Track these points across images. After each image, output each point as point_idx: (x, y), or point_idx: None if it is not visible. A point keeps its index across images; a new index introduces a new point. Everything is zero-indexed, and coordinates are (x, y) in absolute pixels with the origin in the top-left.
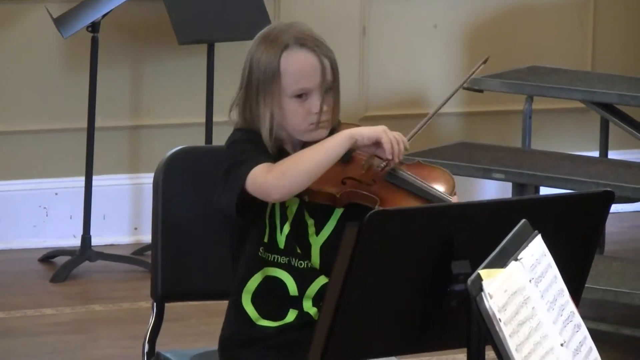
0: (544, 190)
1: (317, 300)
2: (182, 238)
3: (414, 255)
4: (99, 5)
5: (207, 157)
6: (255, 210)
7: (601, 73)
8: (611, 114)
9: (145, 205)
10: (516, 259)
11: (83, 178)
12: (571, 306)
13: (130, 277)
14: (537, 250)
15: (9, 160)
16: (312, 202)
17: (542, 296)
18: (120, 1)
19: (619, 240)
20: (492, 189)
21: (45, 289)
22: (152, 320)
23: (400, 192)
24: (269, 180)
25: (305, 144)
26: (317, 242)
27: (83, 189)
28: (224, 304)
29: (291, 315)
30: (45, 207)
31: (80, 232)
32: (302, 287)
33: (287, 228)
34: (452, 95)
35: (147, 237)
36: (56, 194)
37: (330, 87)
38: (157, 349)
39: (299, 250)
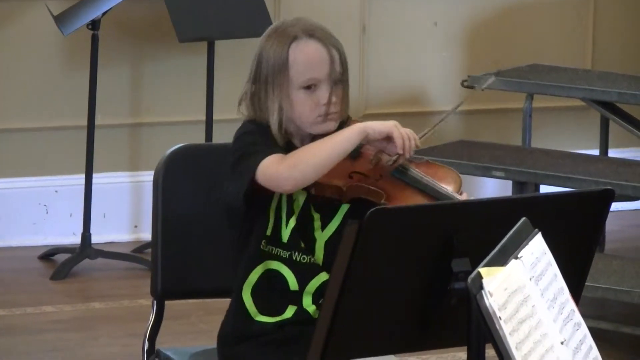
0: (544, 189)
1: (317, 297)
2: (182, 236)
3: (414, 253)
4: (99, 3)
5: (207, 155)
6: (260, 203)
7: (601, 71)
8: (611, 112)
9: (145, 203)
10: (516, 257)
11: (83, 176)
12: (571, 304)
13: (130, 274)
14: (537, 249)
15: (9, 157)
16: (318, 196)
17: (542, 294)
18: None
19: (619, 238)
20: (492, 187)
21: (45, 287)
22: (152, 318)
23: (407, 188)
24: (280, 171)
25: (314, 137)
26: (322, 237)
27: (83, 186)
28: (223, 302)
29: (289, 311)
30: (45, 205)
31: (81, 229)
32: (303, 282)
33: (292, 222)
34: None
35: (147, 235)
36: (56, 191)
37: (339, 79)
38: (157, 346)
39: (302, 245)
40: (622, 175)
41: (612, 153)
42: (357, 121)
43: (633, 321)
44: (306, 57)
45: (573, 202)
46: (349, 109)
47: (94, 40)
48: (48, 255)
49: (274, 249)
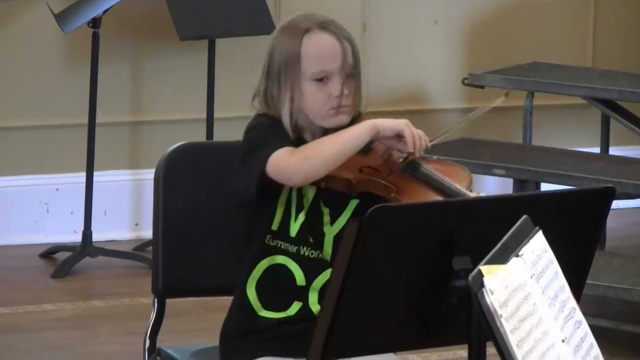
0: (545, 187)
1: (323, 294)
2: (183, 234)
3: (415, 251)
4: (99, 1)
5: (208, 153)
6: (267, 197)
7: (602, 69)
8: (612, 110)
9: (146, 201)
10: (517, 255)
11: (84, 174)
12: (572, 302)
13: (131, 273)
14: (538, 246)
15: (9, 155)
16: (328, 190)
17: (543, 292)
18: None
19: (620, 236)
20: (493, 185)
21: (46, 285)
22: (153, 316)
23: (417, 184)
24: (291, 163)
25: (326, 131)
26: (331, 232)
27: (84, 184)
28: (224, 300)
29: (294, 308)
30: (46, 203)
31: (81, 227)
32: (310, 277)
33: (302, 217)
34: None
35: (148, 233)
36: (57, 189)
37: (352, 72)
38: (158, 344)
39: (311, 240)
40: (623, 173)
41: (613, 151)
42: (369, 118)
43: (634, 319)
44: (318, 48)
45: (574, 200)
46: (361, 104)
47: (95, 38)
48: (49, 253)
49: (282, 243)
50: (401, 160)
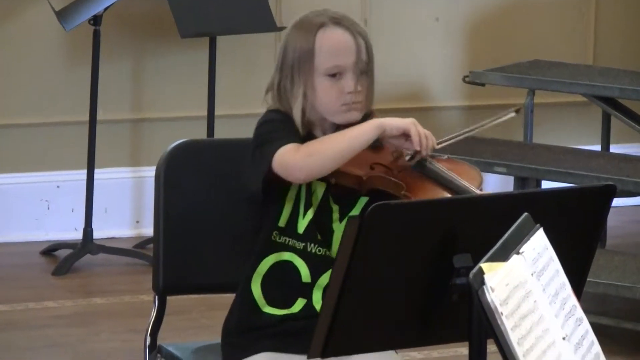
0: (546, 184)
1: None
2: (183, 231)
3: (415, 249)
4: None
5: (209, 151)
6: (276, 192)
7: (603, 67)
8: (613, 108)
9: (147, 198)
10: (518, 253)
11: (85, 171)
12: (573, 300)
13: (132, 270)
14: (538, 244)
15: (10, 153)
16: (338, 187)
17: (544, 290)
18: None
19: (621, 234)
20: (494, 183)
21: (46, 282)
22: (153, 314)
23: (427, 182)
24: (297, 159)
25: (337, 127)
26: (340, 229)
27: (85, 182)
28: (225, 298)
29: (298, 305)
30: (47, 200)
31: (82, 225)
32: (315, 274)
33: (310, 214)
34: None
35: (148, 231)
36: (58, 187)
37: (365, 69)
38: (159, 342)
39: (319, 237)
40: (624, 170)
41: (614, 149)
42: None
43: (634, 317)
44: (332, 43)
45: (574, 197)
46: (373, 101)
47: (96, 35)
48: (50, 250)
49: (289, 239)
50: (408, 158)
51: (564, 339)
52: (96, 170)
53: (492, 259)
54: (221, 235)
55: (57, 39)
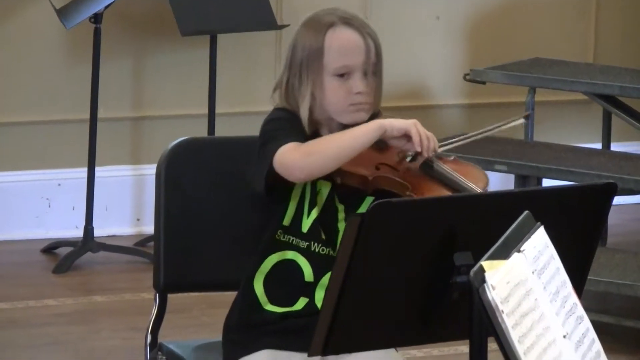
0: (547, 182)
1: None
2: (184, 229)
3: (416, 247)
4: None
5: (210, 149)
6: (281, 191)
7: (603, 65)
8: (613, 106)
9: (147, 196)
10: (519, 251)
11: (85, 169)
12: (574, 298)
13: (133, 268)
14: (539, 242)
15: (11, 151)
16: (343, 186)
17: (544, 288)
18: None
19: (621, 232)
20: (495, 181)
21: (47, 280)
22: (154, 312)
23: (433, 183)
24: (296, 158)
25: (344, 127)
26: None
27: (85, 180)
28: (226, 295)
29: (300, 304)
30: (47, 198)
31: (83, 223)
32: (318, 274)
33: (314, 213)
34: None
35: (149, 228)
36: (59, 185)
37: (374, 70)
38: (160, 340)
39: (323, 236)
40: (625, 169)
41: (615, 147)
42: (388, 116)
43: (635, 315)
44: (341, 43)
45: (575, 195)
46: (381, 102)
47: (97, 33)
48: (50, 248)
49: (293, 238)
50: (409, 159)
51: (564, 337)
52: (97, 168)
53: (493, 257)
54: (222, 233)
55: (58, 37)
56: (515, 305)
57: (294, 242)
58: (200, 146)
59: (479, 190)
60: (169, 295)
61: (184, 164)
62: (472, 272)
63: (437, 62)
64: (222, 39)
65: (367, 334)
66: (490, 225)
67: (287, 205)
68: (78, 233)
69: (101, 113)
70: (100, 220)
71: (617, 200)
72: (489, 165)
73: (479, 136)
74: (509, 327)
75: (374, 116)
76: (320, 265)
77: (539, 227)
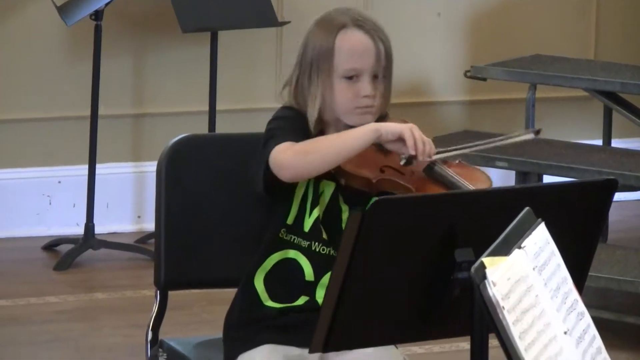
0: (547, 179)
1: None
2: (185, 226)
3: (417, 244)
4: None
5: (210, 146)
6: (282, 190)
7: (604, 61)
8: (614, 103)
9: (148, 193)
10: (519, 247)
11: (86, 166)
12: (574, 294)
13: (134, 265)
14: (540, 238)
15: (12, 148)
16: (347, 187)
17: (545, 284)
18: None
19: (622, 228)
20: (496, 177)
21: (48, 277)
22: (155, 309)
23: (436, 186)
24: (286, 157)
25: (350, 128)
26: None
27: (86, 177)
28: (226, 292)
29: (300, 302)
30: (48, 196)
31: (84, 220)
32: (319, 273)
33: (316, 212)
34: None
35: (150, 226)
36: (59, 182)
37: (383, 74)
38: (161, 337)
39: (324, 236)
40: (625, 165)
41: (615, 143)
42: (395, 119)
43: (636, 311)
44: (352, 46)
45: (576, 192)
46: (389, 105)
47: (97, 30)
48: (51, 245)
49: (294, 237)
50: (403, 162)
51: (565, 333)
52: (97, 166)
53: (494, 254)
54: (223, 230)
55: (59, 34)
56: (516, 301)
57: (295, 241)
58: (201, 143)
59: None
60: (170, 292)
61: (185, 161)
62: (473, 269)
63: (438, 58)
64: (222, 35)
65: (368, 330)
66: (491, 222)
67: (291, 204)
68: (79, 230)
69: (102, 110)
70: (101, 218)
71: (618, 196)
72: (490, 162)
73: (485, 146)
74: (510, 324)
75: (380, 119)
76: (320, 265)
77: (539, 223)
